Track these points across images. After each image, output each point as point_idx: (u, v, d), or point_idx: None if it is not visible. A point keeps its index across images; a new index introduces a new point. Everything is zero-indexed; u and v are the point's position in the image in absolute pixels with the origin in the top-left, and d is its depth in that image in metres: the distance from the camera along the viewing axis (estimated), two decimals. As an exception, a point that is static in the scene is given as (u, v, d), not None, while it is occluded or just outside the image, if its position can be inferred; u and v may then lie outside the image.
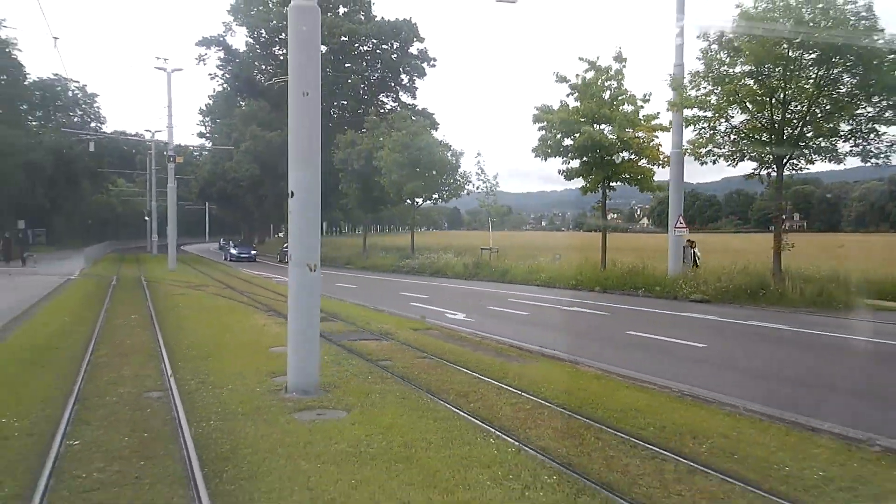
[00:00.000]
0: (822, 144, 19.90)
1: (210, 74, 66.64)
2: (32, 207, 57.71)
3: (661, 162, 25.76)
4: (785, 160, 20.07)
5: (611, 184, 27.37)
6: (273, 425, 6.69)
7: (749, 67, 19.57)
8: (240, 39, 68.52)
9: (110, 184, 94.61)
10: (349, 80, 53.88)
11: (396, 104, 56.65)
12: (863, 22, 17.71)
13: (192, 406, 7.34)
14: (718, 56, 20.17)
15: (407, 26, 54.19)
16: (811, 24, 18.38)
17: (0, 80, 46.24)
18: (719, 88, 19.98)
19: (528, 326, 14.75)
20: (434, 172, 37.77)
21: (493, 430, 6.50)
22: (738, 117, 20.59)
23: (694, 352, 11.61)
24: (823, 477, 5.37)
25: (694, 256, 25.04)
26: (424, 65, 55.87)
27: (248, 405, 7.44)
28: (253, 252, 51.58)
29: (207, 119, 72.80)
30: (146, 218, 63.60)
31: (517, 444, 6.11)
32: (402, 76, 56.73)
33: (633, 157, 26.43)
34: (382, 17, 56.17)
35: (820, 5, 18.35)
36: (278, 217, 70.98)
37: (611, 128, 25.79)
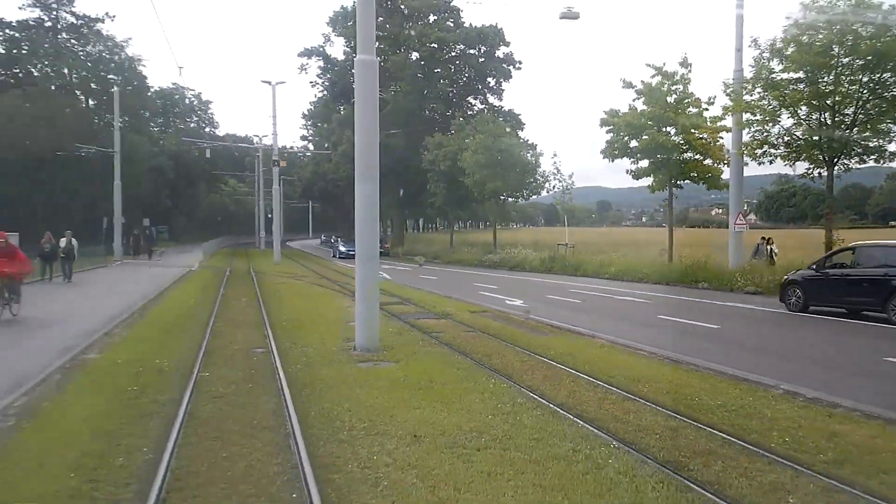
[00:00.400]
0: (872, 145, 20.84)
1: (311, 82, 71.32)
2: (156, 207, 64.00)
3: (726, 161, 27.03)
4: (836, 160, 21.10)
5: (678, 182, 28.82)
6: (340, 369, 9.30)
7: (798, 74, 20.77)
8: (338, 49, 72.61)
9: (223, 184, 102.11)
10: (438, 84, 56.76)
11: (484, 106, 59.06)
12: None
13: (286, 357, 10.05)
14: (769, 64, 21.43)
15: (493, 32, 56.51)
16: (859, 33, 19.49)
17: (127, 90, 51.77)
18: (768, 94, 21.23)
19: (572, 311, 16.83)
20: (515, 171, 39.85)
21: (496, 375, 8.84)
22: (788, 121, 21.72)
23: (704, 330, 13.45)
24: (721, 404, 7.41)
25: (770, 252, 26.11)
26: (510, 68, 58.09)
27: (325, 358, 10.10)
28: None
29: (309, 123, 77.77)
30: (268, 216, 68.73)
31: (510, 382, 8.43)
32: (489, 79, 59.11)
33: (698, 157, 27.78)
34: (471, 24, 58.73)
35: (870, 14, 19.41)
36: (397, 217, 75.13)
37: (675, 130, 27.25)
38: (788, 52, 20.79)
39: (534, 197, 45.18)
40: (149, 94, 66.80)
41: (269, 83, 42.62)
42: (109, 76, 48.14)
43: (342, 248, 47.51)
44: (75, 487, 5.02)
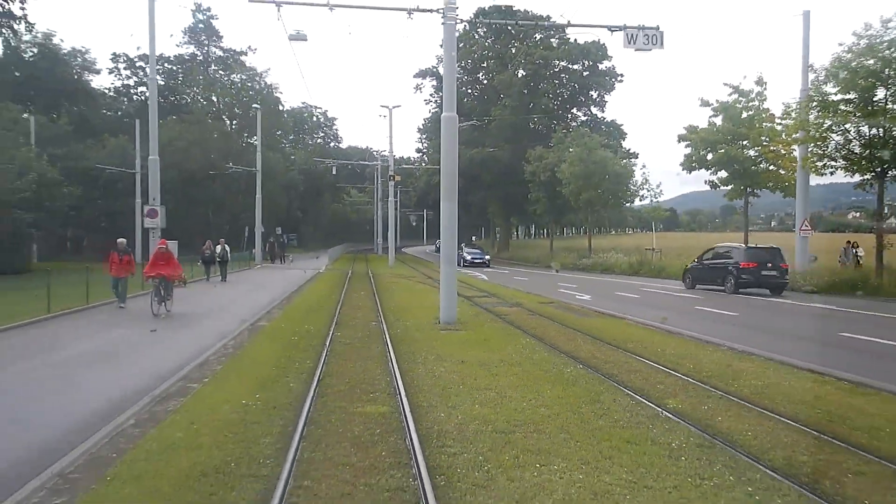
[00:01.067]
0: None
1: (425, 100, 76.89)
2: (287, 217, 71.36)
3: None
4: (886, 172, 23.20)
5: (754, 191, 31.23)
6: (425, 333, 13.47)
7: (849, 95, 23.08)
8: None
9: (345, 195, 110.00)
10: (543, 99, 60.33)
11: (587, 117, 62.12)
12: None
13: (391, 327, 14.32)
14: (823, 87, 23.81)
15: (595, 47, 59.47)
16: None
17: (264, 114, 58.80)
18: (821, 113, 23.63)
19: (625, 304, 20.22)
20: (607, 182, 42.91)
21: (535, 339, 12.68)
22: (839, 137, 23.96)
23: (722, 317, 16.61)
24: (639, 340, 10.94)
25: (856, 256, 28.18)
26: (612, 81, 60.90)
27: (417, 328, 14.29)
28: (487, 257, 47.67)
29: (423, 136, 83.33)
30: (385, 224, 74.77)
31: (538, 341, 12.28)
32: (592, 92, 62.10)
33: (772, 167, 30.11)
34: (574, 39, 61.93)
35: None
36: (482, 223, 79.46)
37: (748, 143, 29.74)
38: (840, 76, 23.17)
39: (627, 204, 47.86)
40: (283, 117, 74.40)
41: (387, 107, 47.95)
42: (253, 105, 54.84)
43: (466, 256, 44.98)
44: (275, 375, 9.40)
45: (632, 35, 15.59)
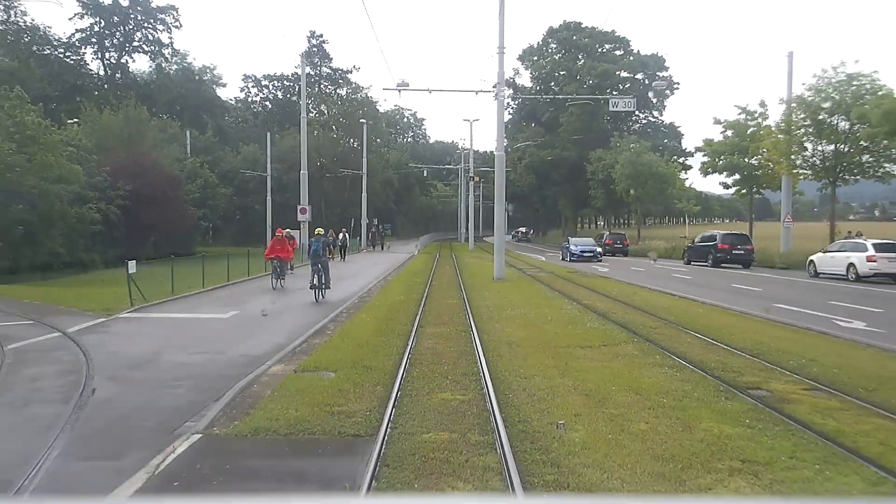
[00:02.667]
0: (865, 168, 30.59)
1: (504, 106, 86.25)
2: (383, 209, 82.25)
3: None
4: (836, 180, 31.07)
5: (759, 190, 39.19)
6: (485, 284, 23.08)
7: (807, 123, 31.05)
8: (525, 78, 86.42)
9: (432, 188, 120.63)
10: (606, 106, 68.45)
11: (646, 120, 69.89)
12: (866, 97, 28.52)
13: (464, 282, 23.94)
14: (790, 116, 31.83)
15: (654, 60, 67.14)
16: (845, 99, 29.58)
17: (369, 124, 69.58)
18: (786, 136, 31.68)
19: (631, 275, 29.06)
20: (652, 182, 51.13)
21: (559, 294, 22.05)
22: (808, 152, 31.92)
23: (683, 279, 25.38)
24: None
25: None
26: (667, 90, 68.41)
27: (480, 282, 23.90)
28: (598, 250, 41.49)
29: (504, 135, 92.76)
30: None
31: (548, 287, 21.69)
32: (651, 98, 69.72)
33: (770, 172, 38.00)
34: (637, 50, 69.73)
35: (852, 88, 29.43)
36: (554, 215, 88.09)
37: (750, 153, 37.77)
38: (802, 109, 31.18)
39: (675, 203, 55.84)
40: (382, 124, 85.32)
41: (468, 120, 57.58)
42: (360, 120, 65.14)
43: (573, 249, 40.74)
44: (404, 298, 19.22)
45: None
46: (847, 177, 31.20)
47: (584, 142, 67.04)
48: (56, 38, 64.94)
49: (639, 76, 69.73)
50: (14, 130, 31.00)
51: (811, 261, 27.12)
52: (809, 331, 12.56)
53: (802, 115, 31.38)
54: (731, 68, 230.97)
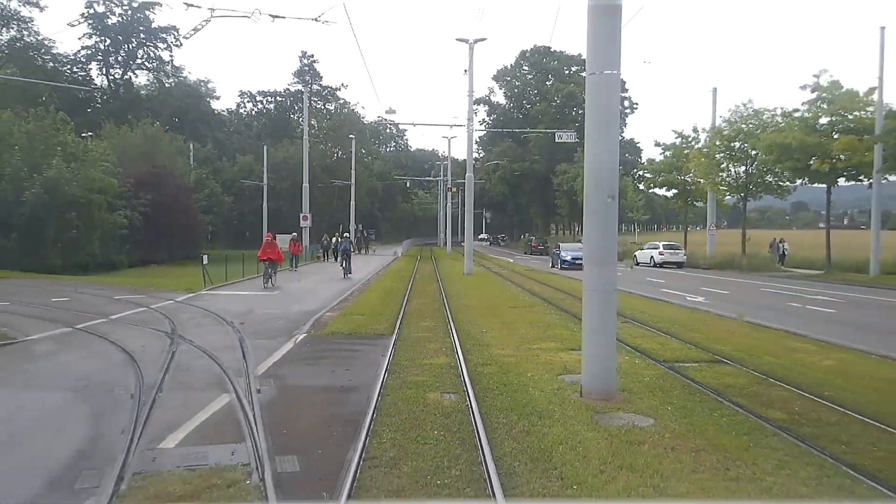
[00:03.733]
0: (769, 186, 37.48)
1: (480, 121, 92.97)
2: (368, 215, 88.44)
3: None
4: (746, 196, 37.94)
5: (694, 203, 46.02)
6: (457, 277, 29.49)
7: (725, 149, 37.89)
8: (499, 96, 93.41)
9: (413, 195, 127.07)
10: (572, 124, 75.32)
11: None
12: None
13: (440, 275, 30.34)
14: (712, 142, 38.66)
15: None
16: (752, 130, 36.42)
17: (355, 138, 75.80)
18: (706, 160, 38.51)
19: (577, 273, 35.58)
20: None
21: (511, 283, 28.51)
22: (723, 173, 38.77)
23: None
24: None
25: (782, 250, 42.21)
26: (627, 110, 75.49)
27: (454, 276, 30.30)
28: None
29: (479, 147, 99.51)
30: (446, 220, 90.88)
31: (506, 280, 28.15)
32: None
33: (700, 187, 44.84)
34: (601, 72, 76.60)
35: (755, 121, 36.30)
36: (527, 222, 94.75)
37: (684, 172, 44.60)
38: (718, 138, 38.03)
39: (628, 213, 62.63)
40: (367, 136, 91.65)
41: (447, 138, 64.08)
42: (349, 135, 71.28)
43: (565, 256, 38.46)
44: (396, 284, 25.57)
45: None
46: (757, 192, 38.08)
47: (551, 156, 73.76)
48: (62, 54, 70.41)
49: (602, 96, 76.59)
50: (60, 150, 36.98)
51: (634, 255, 40.64)
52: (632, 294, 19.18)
53: (719, 143, 38.22)
54: (682, 93, 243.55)
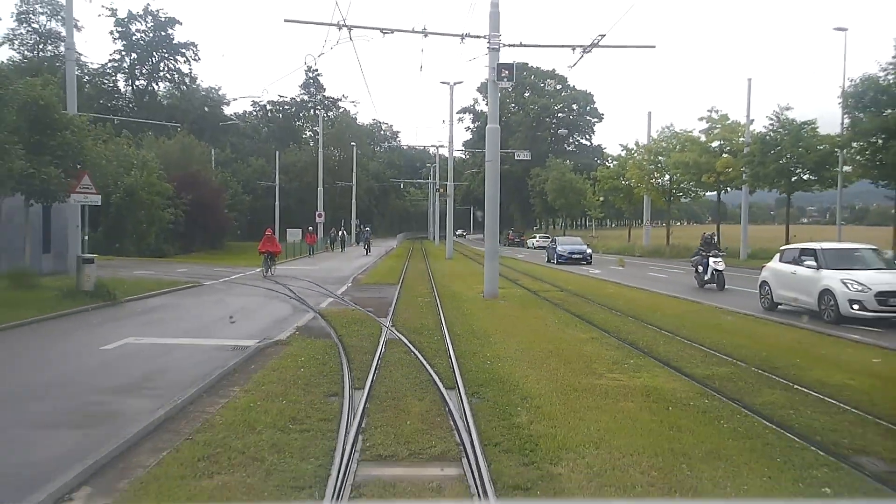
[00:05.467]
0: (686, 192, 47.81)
1: (466, 128, 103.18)
2: (366, 211, 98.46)
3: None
4: (670, 200, 48.26)
5: (633, 204, 56.35)
6: (438, 257, 39.70)
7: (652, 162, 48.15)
8: (482, 105, 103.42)
9: (406, 192, 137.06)
10: (546, 132, 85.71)
11: (578, 144, 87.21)
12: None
13: (427, 256, 40.45)
14: (645, 156, 48.96)
15: (584, 95, 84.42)
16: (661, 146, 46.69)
17: (353, 144, 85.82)
18: (639, 170, 48.78)
19: (534, 258, 45.73)
20: (572, 196, 68.16)
21: (479, 264, 38.68)
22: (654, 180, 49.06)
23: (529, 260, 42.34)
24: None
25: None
26: (594, 120, 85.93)
27: (437, 256, 40.45)
28: (588, 251, 39.05)
29: (467, 150, 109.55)
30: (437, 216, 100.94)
31: (472, 260, 38.35)
32: (581, 125, 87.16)
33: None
34: (573, 86, 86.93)
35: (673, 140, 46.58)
36: (507, 218, 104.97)
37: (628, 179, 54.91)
38: (647, 152, 48.31)
39: (587, 211, 73.11)
40: (367, 141, 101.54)
41: (435, 146, 74.06)
42: (351, 143, 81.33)
43: (563, 251, 38.41)
44: (397, 263, 35.68)
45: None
46: (679, 196, 48.37)
47: (527, 160, 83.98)
48: (90, 65, 79.87)
49: (574, 106, 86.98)
50: (127, 161, 46.90)
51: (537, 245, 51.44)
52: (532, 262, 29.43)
53: (649, 157, 48.48)
54: (643, 106, 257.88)
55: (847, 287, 12.91)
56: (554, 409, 6.84)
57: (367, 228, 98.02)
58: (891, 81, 25.76)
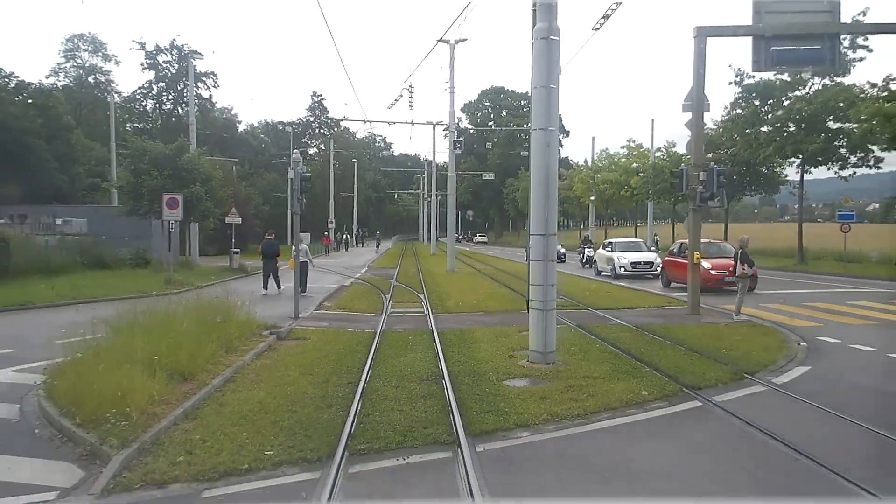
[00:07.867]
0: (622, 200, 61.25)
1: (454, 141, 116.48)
2: (363, 216, 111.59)
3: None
4: (607, 207, 61.66)
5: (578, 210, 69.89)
6: (430, 258, 52.89)
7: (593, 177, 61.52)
8: (465, 122, 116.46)
9: (399, 198, 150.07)
10: (521, 146, 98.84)
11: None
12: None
13: (417, 257, 53.63)
14: (588, 172, 62.32)
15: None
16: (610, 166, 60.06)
17: (354, 160, 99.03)
18: (582, 183, 62.17)
19: (504, 254, 58.88)
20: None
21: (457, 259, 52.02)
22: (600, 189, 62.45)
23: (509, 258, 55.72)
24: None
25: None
26: (562, 136, 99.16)
27: (424, 257, 53.66)
28: (657, 260, 29.57)
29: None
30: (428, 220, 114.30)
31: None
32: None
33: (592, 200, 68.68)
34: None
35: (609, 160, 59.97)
36: (487, 221, 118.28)
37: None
38: (589, 170, 61.68)
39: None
40: (365, 156, 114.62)
41: (425, 159, 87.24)
42: (351, 159, 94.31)
43: (625, 261, 29.11)
44: (391, 260, 48.88)
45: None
46: (617, 205, 61.62)
47: (504, 171, 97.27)
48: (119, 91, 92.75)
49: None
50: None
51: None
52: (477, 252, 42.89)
53: (588, 174, 61.74)
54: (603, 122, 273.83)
55: (620, 261, 26.58)
56: (456, 295, 20.24)
57: (378, 232, 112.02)
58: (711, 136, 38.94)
